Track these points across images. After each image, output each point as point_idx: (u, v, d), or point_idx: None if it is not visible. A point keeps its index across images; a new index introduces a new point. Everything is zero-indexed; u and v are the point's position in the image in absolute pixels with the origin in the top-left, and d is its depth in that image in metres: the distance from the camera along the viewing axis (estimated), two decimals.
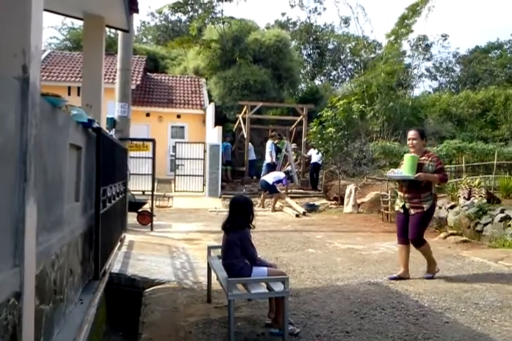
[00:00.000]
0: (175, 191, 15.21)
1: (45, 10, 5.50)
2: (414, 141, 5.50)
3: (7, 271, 1.94)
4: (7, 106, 1.91)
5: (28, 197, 2.13)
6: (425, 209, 5.42)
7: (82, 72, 5.97)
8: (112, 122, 8.95)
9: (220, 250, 4.22)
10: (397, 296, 4.80)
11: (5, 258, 1.94)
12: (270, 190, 12.88)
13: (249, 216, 3.85)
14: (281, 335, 3.55)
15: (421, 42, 23.67)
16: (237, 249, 3.74)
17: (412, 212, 5.49)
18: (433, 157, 5.46)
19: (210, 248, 4.76)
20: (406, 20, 20.17)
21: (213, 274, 4.29)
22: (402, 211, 5.63)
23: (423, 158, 5.44)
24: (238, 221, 3.82)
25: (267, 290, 3.60)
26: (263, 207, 13.09)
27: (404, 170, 5.45)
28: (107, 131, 6.92)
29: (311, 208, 12.92)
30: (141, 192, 10.65)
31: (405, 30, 20.40)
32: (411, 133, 5.56)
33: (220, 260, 4.15)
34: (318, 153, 14.91)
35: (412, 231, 5.51)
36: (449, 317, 4.17)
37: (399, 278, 5.49)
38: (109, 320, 5.03)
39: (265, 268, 3.76)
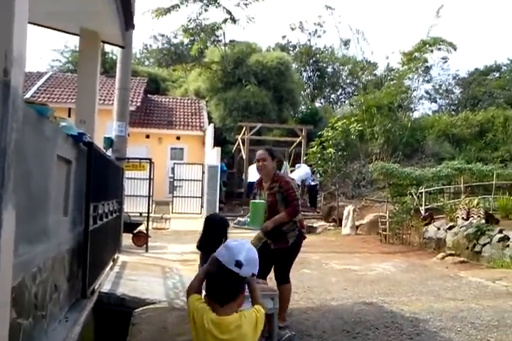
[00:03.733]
0: (173, 213, 15.13)
1: (41, 25, 5.63)
2: (265, 162, 4.40)
3: None
4: None
5: (6, 203, 2.10)
6: (289, 244, 4.32)
7: (76, 87, 5.99)
8: (109, 142, 8.95)
9: None
10: (391, 316, 4.70)
11: None
12: None
13: (222, 238, 3.53)
14: None
15: (421, 64, 23.89)
16: None
17: (272, 247, 4.33)
18: (281, 182, 4.35)
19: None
20: (416, 53, 20.10)
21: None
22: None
23: (272, 184, 4.38)
24: (209, 241, 3.55)
25: None
26: None
27: (250, 219, 4.34)
28: (104, 150, 6.94)
29: (309, 230, 12.80)
30: (138, 214, 10.59)
31: (417, 62, 20.27)
32: (259, 154, 4.54)
33: None
34: (313, 173, 14.93)
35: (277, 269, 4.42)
36: (443, 337, 4.08)
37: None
38: (96, 339, 4.91)
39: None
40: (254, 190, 4.70)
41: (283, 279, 4.31)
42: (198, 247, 3.76)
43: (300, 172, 15.48)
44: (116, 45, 6.47)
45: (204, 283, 2.06)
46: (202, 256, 3.80)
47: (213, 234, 3.61)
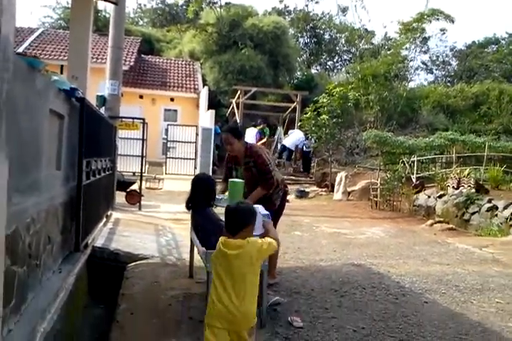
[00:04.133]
0: (166, 173, 15.13)
1: None
2: (232, 146, 4.33)
3: None
4: None
5: None
6: (276, 206, 4.50)
7: (68, 42, 5.83)
8: (102, 100, 8.82)
9: None
10: (378, 277, 4.81)
11: None
12: None
13: (211, 194, 3.76)
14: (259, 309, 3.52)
15: (419, 34, 23.48)
16: (207, 229, 3.66)
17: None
18: (255, 156, 4.29)
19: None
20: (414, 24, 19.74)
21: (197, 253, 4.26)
22: None
23: (246, 159, 4.33)
24: (199, 200, 3.73)
25: None
26: None
27: (229, 197, 4.21)
28: (97, 108, 6.84)
29: (302, 194, 12.91)
30: (131, 173, 10.58)
31: (415, 33, 19.92)
32: (223, 138, 4.49)
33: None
34: (307, 139, 14.92)
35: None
36: (428, 298, 4.19)
37: None
38: (90, 294, 5.00)
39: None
40: (228, 164, 4.57)
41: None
42: (187, 207, 3.86)
43: (293, 138, 15.48)
44: (108, 1, 6.27)
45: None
46: (192, 215, 3.85)
47: (202, 192, 3.73)
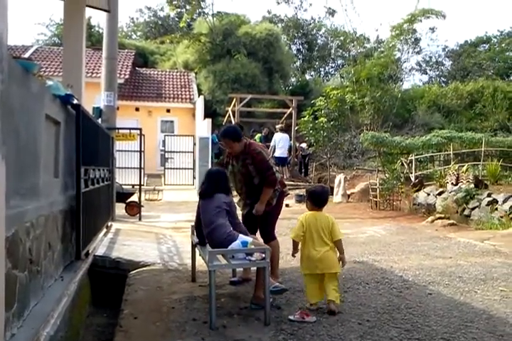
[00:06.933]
0: (165, 184, 15.15)
1: None
2: (233, 149, 4.30)
3: None
4: None
5: None
6: (273, 205, 4.41)
7: (62, 51, 5.87)
8: (98, 112, 8.85)
9: None
10: (381, 272, 4.81)
11: None
12: None
13: (225, 186, 3.91)
14: (262, 308, 3.51)
15: (410, 35, 23.62)
16: (223, 214, 3.72)
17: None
18: (253, 154, 4.24)
19: (194, 227, 4.72)
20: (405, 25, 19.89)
21: (198, 257, 4.26)
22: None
23: (245, 156, 4.28)
24: (222, 186, 3.85)
25: (248, 261, 3.57)
26: None
27: None
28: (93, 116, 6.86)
29: (301, 199, 12.89)
30: (130, 186, 10.58)
31: (406, 33, 20.04)
32: (224, 142, 4.41)
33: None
34: (304, 142, 15.00)
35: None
36: (432, 290, 4.19)
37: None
38: (93, 302, 4.98)
39: (251, 238, 3.73)
40: (226, 158, 4.54)
41: (269, 237, 4.42)
42: (201, 194, 3.93)
43: (281, 145, 15.19)
44: (101, 9, 6.34)
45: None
46: (202, 204, 3.91)
47: (221, 181, 3.89)
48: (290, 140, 15.66)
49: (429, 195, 10.19)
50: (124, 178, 11.17)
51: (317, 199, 3.87)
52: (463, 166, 11.05)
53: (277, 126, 16.21)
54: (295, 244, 3.81)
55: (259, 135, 16.42)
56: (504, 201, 8.10)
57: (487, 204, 8.34)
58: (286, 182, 4.87)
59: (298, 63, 30.36)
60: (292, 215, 9.98)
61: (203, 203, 3.90)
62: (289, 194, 4.90)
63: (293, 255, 3.89)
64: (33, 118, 3.05)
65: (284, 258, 5.61)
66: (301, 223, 3.76)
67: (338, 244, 3.77)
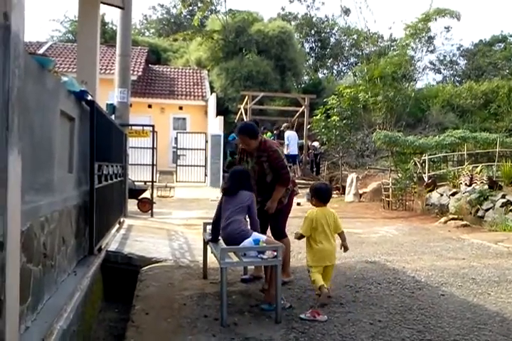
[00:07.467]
0: (177, 181, 15.20)
1: None
2: (249, 146, 4.25)
3: None
4: None
5: (11, 147, 2.11)
6: (284, 204, 4.46)
7: (77, 48, 5.91)
8: (111, 108, 8.91)
9: None
10: (393, 273, 4.78)
11: None
12: None
13: (247, 184, 3.95)
14: (272, 310, 3.50)
15: (424, 34, 23.41)
16: (244, 211, 3.78)
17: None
18: (269, 151, 4.23)
19: (206, 224, 4.72)
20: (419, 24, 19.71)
21: (210, 254, 4.27)
22: None
23: (260, 153, 4.26)
24: (246, 185, 3.90)
25: (260, 259, 3.56)
26: None
27: None
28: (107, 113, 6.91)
29: None
30: (142, 183, 10.65)
31: (420, 32, 19.87)
32: (240, 139, 4.35)
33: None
34: (316, 141, 14.96)
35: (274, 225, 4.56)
36: (445, 291, 4.15)
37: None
38: (105, 297, 5.02)
39: (265, 236, 3.74)
40: (240, 155, 4.50)
41: (280, 235, 4.43)
42: (226, 191, 3.98)
43: (291, 143, 15.26)
44: (115, 6, 6.37)
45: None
46: (225, 199, 3.94)
47: (240, 181, 3.93)
48: (299, 138, 15.68)
49: (442, 195, 10.10)
50: (137, 175, 11.26)
51: (323, 195, 4.11)
52: (477, 167, 10.93)
53: (284, 125, 16.26)
54: (301, 237, 4.10)
55: (269, 134, 16.39)
56: None
57: (501, 206, 8.25)
58: (297, 181, 4.90)
59: (311, 61, 30.27)
60: (303, 214, 9.91)
61: (226, 199, 3.93)
62: (298, 193, 4.92)
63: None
64: (48, 114, 3.07)
65: (295, 257, 5.61)
66: (310, 219, 4.00)
67: (342, 234, 4.21)
